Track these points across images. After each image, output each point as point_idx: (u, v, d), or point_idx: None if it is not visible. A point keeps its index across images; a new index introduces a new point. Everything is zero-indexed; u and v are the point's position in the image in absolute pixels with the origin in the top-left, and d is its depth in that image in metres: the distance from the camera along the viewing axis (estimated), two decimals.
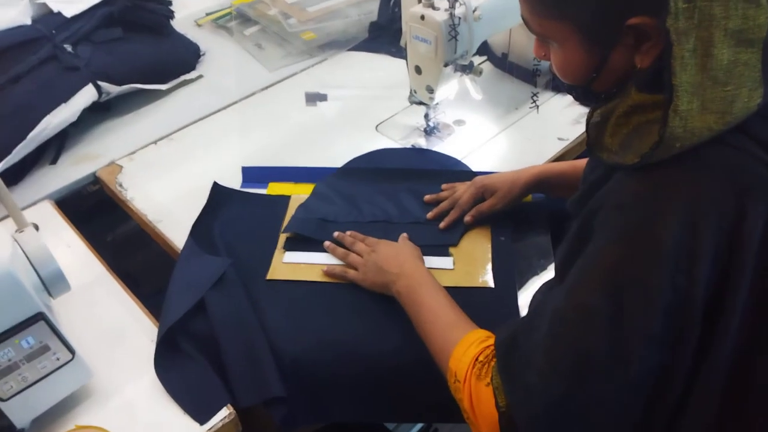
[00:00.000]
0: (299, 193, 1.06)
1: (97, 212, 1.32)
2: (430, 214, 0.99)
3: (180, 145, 1.20)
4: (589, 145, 0.66)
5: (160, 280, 0.92)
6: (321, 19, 1.48)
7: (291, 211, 1.02)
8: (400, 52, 1.39)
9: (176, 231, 0.99)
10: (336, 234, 0.95)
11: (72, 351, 0.71)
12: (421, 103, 1.13)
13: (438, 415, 0.87)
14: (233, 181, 1.09)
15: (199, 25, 1.57)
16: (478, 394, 0.65)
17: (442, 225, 0.97)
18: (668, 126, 0.55)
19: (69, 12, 1.25)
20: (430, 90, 1.08)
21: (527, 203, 1.01)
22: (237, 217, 1.02)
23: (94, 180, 1.14)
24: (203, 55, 1.44)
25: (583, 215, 0.63)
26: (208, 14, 1.59)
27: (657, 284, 0.55)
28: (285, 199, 1.05)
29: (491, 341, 0.69)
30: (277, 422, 0.77)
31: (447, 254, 0.94)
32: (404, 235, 0.94)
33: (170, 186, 1.09)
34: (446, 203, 1.00)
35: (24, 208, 1.05)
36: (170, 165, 1.14)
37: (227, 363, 0.80)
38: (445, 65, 1.03)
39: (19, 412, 0.70)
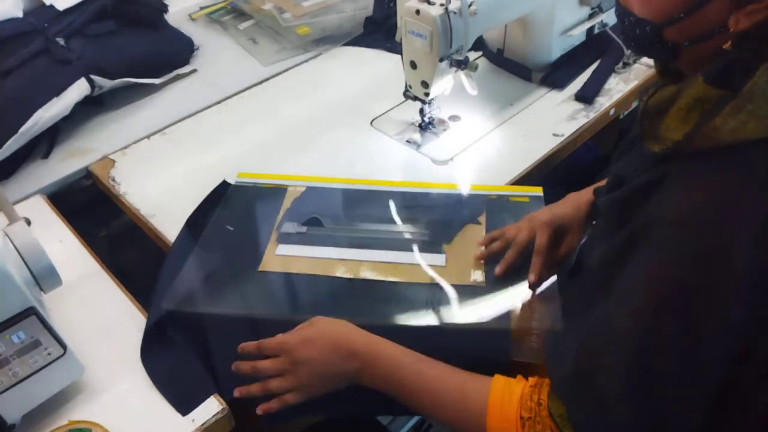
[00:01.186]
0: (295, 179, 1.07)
1: (90, 207, 1.31)
2: (477, 255, 0.91)
3: (173, 139, 1.19)
4: (642, 134, 0.60)
5: (153, 275, 0.91)
6: (316, 14, 1.47)
7: (287, 204, 1.02)
8: (395, 48, 1.39)
9: (169, 225, 0.99)
10: (241, 346, 0.78)
11: (64, 346, 0.71)
12: (416, 98, 1.13)
13: None
14: (226, 176, 1.08)
15: (193, 19, 1.56)
16: None
17: (497, 271, 0.87)
18: (752, 80, 0.51)
19: (62, 5, 1.24)
20: (426, 85, 1.07)
21: (523, 203, 1.01)
22: (233, 208, 1.02)
23: (87, 174, 1.13)
24: (197, 49, 1.43)
25: (633, 225, 0.58)
26: (202, 8, 1.58)
27: (732, 305, 0.53)
28: (282, 192, 1.05)
29: (520, 387, 0.65)
30: (264, 417, 0.77)
31: (440, 251, 0.93)
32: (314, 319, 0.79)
33: (163, 180, 1.09)
34: (498, 243, 0.89)
35: (16, 203, 1.04)
36: (163, 160, 1.14)
37: (213, 354, 0.79)
38: (441, 60, 1.02)
39: (10, 408, 0.69)
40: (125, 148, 1.16)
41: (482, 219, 0.99)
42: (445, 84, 1.09)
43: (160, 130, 1.20)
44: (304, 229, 0.97)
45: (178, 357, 0.80)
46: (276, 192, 1.05)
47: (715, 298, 0.53)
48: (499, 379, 0.67)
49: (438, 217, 1.00)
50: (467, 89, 1.12)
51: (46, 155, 1.15)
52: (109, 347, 0.82)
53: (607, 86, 1.27)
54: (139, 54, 1.29)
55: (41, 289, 0.75)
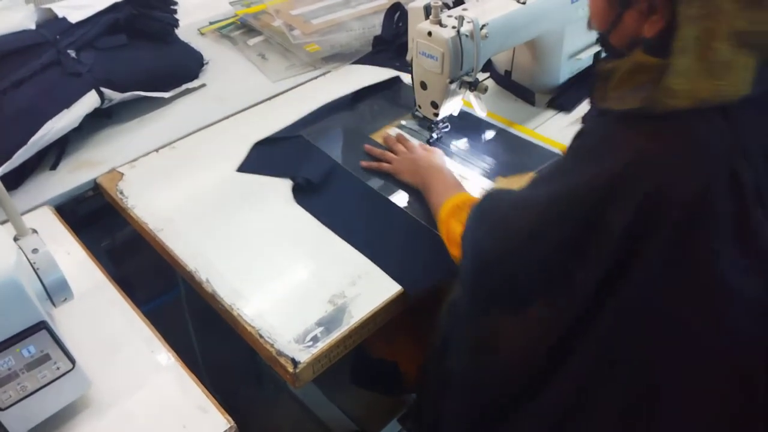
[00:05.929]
0: None
1: (93, 217, 1.30)
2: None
3: (182, 153, 1.19)
4: (592, 94, 0.72)
5: (158, 285, 0.91)
6: (325, 32, 1.48)
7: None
8: (403, 66, 1.40)
9: (177, 240, 0.99)
10: (384, 137, 1.19)
11: (72, 360, 0.71)
12: (425, 118, 1.14)
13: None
14: (234, 191, 1.09)
15: (202, 34, 1.57)
16: (452, 227, 0.88)
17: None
18: (655, 94, 0.60)
19: (74, 18, 1.24)
20: (435, 106, 1.08)
21: None
22: (391, 98, 1.32)
23: (94, 186, 1.13)
24: (206, 63, 1.44)
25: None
26: (211, 23, 1.60)
27: (578, 207, 0.64)
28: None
29: (473, 199, 0.89)
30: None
31: (492, 179, 1.09)
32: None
33: (171, 194, 1.09)
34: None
35: (23, 214, 1.04)
36: (172, 173, 1.14)
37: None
38: (451, 82, 1.03)
39: (16, 422, 0.69)
40: (134, 161, 1.16)
41: None
42: (454, 105, 1.10)
43: (168, 144, 1.21)
44: (416, 127, 1.23)
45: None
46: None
47: (572, 199, 0.65)
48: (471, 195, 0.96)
49: (514, 159, 1.15)
50: (476, 110, 1.13)
51: (54, 166, 1.15)
52: (115, 361, 0.82)
53: None
54: (149, 68, 1.29)
55: (52, 303, 0.75)
